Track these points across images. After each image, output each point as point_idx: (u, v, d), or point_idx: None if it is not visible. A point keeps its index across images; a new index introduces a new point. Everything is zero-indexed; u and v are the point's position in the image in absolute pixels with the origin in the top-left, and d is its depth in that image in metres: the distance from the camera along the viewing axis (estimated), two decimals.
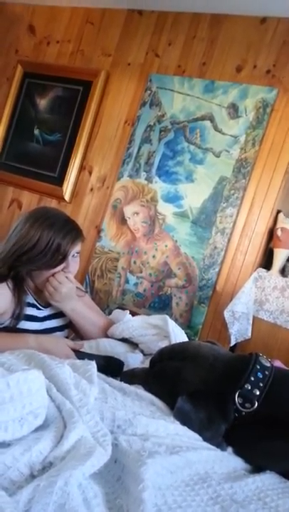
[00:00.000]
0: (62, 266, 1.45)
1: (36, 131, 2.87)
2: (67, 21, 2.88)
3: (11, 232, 1.48)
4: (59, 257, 1.42)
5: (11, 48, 3.09)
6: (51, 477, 0.62)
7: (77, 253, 1.50)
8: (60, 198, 2.73)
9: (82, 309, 1.56)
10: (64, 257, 1.44)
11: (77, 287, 1.65)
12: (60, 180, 2.73)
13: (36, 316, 1.50)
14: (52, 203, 2.79)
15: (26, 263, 1.41)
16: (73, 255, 1.48)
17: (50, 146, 2.82)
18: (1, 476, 0.63)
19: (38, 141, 2.87)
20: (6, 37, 3.12)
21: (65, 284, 1.44)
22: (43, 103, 2.87)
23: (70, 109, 2.74)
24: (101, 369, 1.21)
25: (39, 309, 1.51)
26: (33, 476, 0.66)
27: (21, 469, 0.65)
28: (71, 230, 1.46)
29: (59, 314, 1.55)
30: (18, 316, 1.41)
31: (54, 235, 1.41)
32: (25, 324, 1.44)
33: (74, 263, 1.50)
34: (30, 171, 2.85)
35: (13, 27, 3.09)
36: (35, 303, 1.51)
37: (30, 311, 1.48)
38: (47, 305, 1.54)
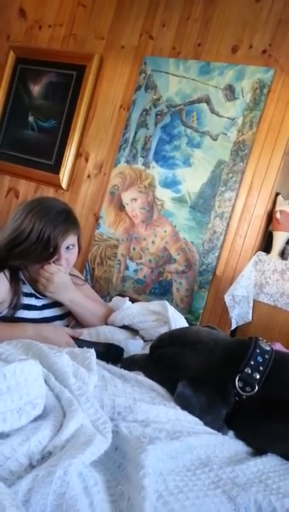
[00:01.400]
0: (53, 259, 1.42)
1: (31, 118, 2.83)
2: (58, 4, 2.82)
3: (8, 223, 1.46)
4: (50, 249, 1.39)
5: (3, 34, 3.03)
6: (50, 467, 0.62)
7: (72, 245, 1.46)
8: (57, 185, 2.71)
9: (82, 299, 1.54)
10: (55, 250, 1.40)
11: (76, 276, 1.64)
12: (56, 168, 2.70)
13: (35, 305, 1.49)
14: (49, 191, 2.76)
15: (18, 257, 1.39)
16: (68, 247, 1.45)
17: (45, 133, 2.78)
18: (0, 466, 0.63)
19: (32, 128, 2.83)
20: None
21: (57, 274, 1.41)
22: (36, 89, 2.83)
23: (64, 95, 2.70)
24: (101, 356, 1.21)
25: (37, 298, 1.50)
26: (32, 466, 0.66)
27: (20, 459, 0.65)
28: (63, 222, 1.41)
29: (58, 303, 1.54)
30: (15, 305, 1.40)
31: (45, 226, 1.37)
32: (23, 313, 1.44)
33: (69, 255, 1.46)
34: (26, 159, 2.82)
35: (3, 12, 3.03)
36: (33, 292, 1.50)
37: (28, 300, 1.47)
38: (45, 295, 1.53)
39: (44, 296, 1.50)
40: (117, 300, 1.72)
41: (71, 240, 1.45)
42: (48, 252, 1.39)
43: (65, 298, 1.49)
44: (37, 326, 1.34)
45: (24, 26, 2.95)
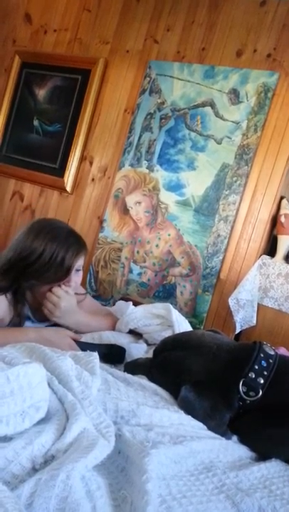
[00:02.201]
0: (64, 280, 1.42)
1: (36, 122, 2.85)
2: (63, 9, 2.84)
3: (13, 242, 1.45)
4: (63, 270, 1.39)
5: (8, 38, 3.05)
6: (53, 470, 0.62)
7: (80, 267, 1.47)
8: (62, 189, 2.72)
9: (86, 319, 1.52)
10: (68, 271, 1.41)
11: (76, 293, 1.62)
12: (61, 171, 2.71)
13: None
14: (54, 195, 2.77)
15: (29, 277, 1.38)
16: (77, 269, 1.45)
17: (50, 136, 2.79)
18: (3, 470, 0.63)
19: (37, 132, 2.84)
20: (3, 27, 3.07)
21: (64, 298, 1.40)
22: (41, 93, 2.84)
23: (69, 99, 2.71)
24: (104, 357, 1.21)
25: (34, 322, 1.49)
26: (35, 470, 0.66)
27: (23, 463, 0.65)
28: (74, 243, 1.43)
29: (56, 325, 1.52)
30: (18, 324, 1.40)
31: (58, 247, 1.38)
32: None
33: (76, 277, 1.47)
34: (31, 162, 2.83)
35: (9, 17, 3.05)
36: (30, 315, 1.48)
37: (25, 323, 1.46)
38: (41, 320, 1.49)
39: (40, 320, 1.49)
40: (120, 305, 1.72)
41: (81, 261, 1.46)
42: (61, 272, 1.40)
43: (71, 321, 1.47)
44: (39, 329, 1.34)
45: (29, 31, 2.97)
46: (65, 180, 2.70)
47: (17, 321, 1.40)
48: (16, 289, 1.41)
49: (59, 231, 1.43)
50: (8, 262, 1.41)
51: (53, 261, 1.37)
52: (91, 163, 2.67)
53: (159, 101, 2.45)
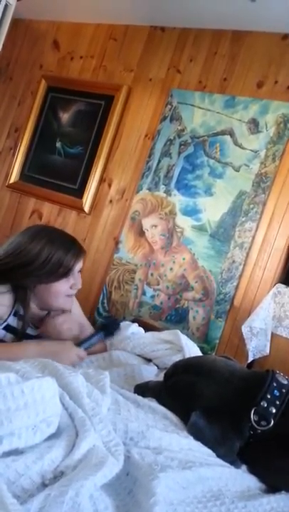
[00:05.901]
0: (70, 282, 1.42)
1: (58, 144, 2.92)
2: (90, 37, 2.94)
3: (5, 246, 1.43)
4: (61, 270, 1.38)
5: (36, 63, 3.16)
6: (62, 487, 0.62)
7: (80, 270, 1.47)
8: (80, 209, 2.76)
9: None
10: (68, 271, 1.40)
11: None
12: (80, 192, 2.76)
13: (30, 335, 1.45)
14: (71, 215, 2.82)
15: (22, 276, 1.35)
16: (78, 271, 1.45)
17: (72, 158, 2.86)
18: (13, 483, 0.63)
19: (59, 153, 2.91)
20: (32, 52, 3.20)
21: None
22: (65, 117, 2.92)
23: (92, 123, 2.78)
24: (101, 327, 1.45)
25: (33, 329, 1.46)
26: (44, 485, 0.66)
27: (33, 477, 0.65)
28: (73, 246, 1.43)
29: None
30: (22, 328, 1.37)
31: (55, 250, 1.37)
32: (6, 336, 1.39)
33: (80, 279, 1.47)
34: (52, 182, 2.89)
35: (38, 43, 3.17)
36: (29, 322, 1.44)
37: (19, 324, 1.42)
38: (38, 325, 1.47)
39: (37, 326, 1.47)
40: (123, 325, 1.71)
41: (81, 263, 1.47)
42: (58, 272, 1.38)
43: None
44: (41, 342, 1.31)
45: (57, 57, 3.08)
46: (84, 201, 2.74)
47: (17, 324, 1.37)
48: (18, 289, 1.38)
49: (57, 235, 1.45)
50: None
51: (48, 261, 1.36)
52: (110, 186, 2.71)
53: (179, 128, 2.50)
